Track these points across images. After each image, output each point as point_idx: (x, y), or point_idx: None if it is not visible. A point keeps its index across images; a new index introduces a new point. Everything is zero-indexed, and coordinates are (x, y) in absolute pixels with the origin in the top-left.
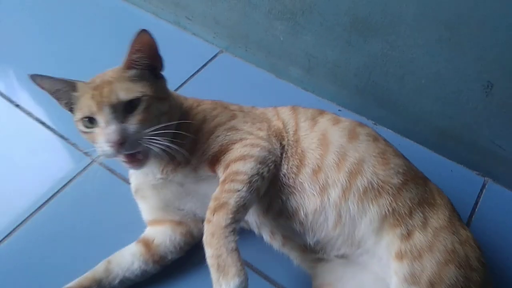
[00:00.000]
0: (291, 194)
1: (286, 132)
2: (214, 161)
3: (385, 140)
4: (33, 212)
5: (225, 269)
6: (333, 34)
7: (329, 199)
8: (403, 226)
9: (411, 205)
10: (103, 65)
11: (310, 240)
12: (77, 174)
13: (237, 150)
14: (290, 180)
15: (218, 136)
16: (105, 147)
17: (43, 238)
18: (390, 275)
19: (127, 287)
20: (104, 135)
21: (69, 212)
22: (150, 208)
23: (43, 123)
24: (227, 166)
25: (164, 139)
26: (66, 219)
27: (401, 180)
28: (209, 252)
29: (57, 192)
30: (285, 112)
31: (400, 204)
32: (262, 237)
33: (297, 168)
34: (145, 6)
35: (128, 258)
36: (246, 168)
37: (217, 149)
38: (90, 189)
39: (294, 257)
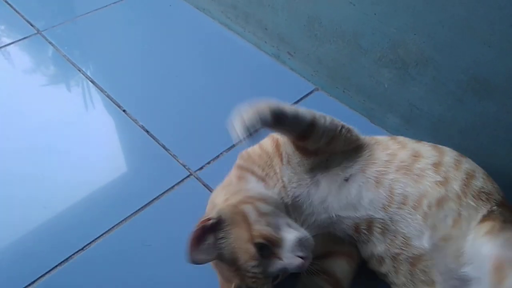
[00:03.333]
0: (412, 182)
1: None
2: None
3: None
4: (128, 216)
5: None
6: (445, 90)
7: (452, 190)
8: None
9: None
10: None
11: (427, 242)
12: (174, 185)
13: None
14: (405, 163)
15: None
16: None
17: (135, 243)
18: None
19: None
20: None
21: (162, 221)
22: None
23: (147, 131)
24: None
25: None
26: (159, 227)
27: (502, 197)
28: None
29: (153, 200)
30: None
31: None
32: None
33: (414, 157)
34: (248, 37)
35: None
36: None
37: None
38: (184, 201)
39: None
